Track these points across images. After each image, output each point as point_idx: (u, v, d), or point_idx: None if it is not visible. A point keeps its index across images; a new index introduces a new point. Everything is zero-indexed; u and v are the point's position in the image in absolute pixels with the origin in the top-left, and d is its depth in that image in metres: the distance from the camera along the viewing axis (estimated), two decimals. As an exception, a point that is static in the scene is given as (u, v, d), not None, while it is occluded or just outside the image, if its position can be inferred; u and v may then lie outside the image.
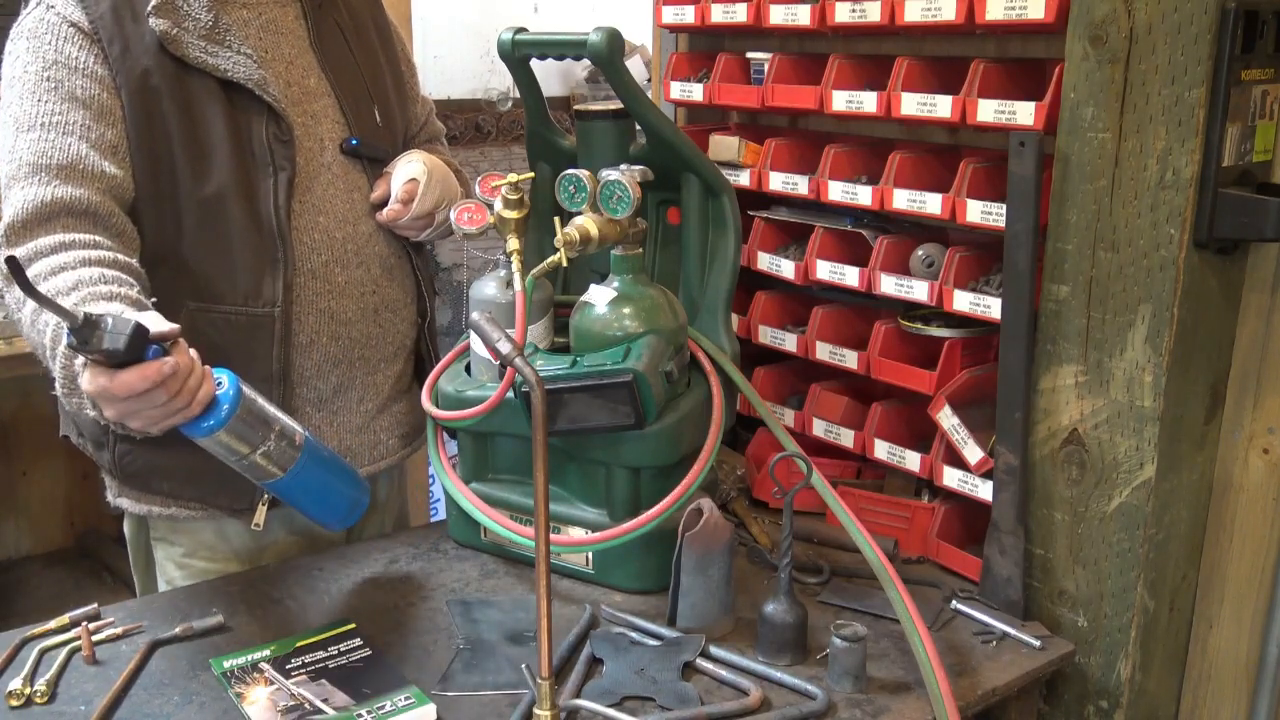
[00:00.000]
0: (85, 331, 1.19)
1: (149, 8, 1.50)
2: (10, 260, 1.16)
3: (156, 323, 1.26)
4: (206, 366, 1.31)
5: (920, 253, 1.69)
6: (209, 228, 1.54)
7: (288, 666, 1.36)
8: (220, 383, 1.33)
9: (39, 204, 1.41)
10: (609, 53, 1.55)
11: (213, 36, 1.54)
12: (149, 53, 1.50)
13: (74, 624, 1.45)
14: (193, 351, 1.29)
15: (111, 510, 1.70)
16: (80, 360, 1.26)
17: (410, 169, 1.69)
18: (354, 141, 1.66)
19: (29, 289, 1.15)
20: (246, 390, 1.35)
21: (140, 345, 1.21)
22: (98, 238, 1.43)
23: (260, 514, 1.62)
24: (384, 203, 1.68)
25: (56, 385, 1.34)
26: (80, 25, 1.49)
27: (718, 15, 1.87)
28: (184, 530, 1.68)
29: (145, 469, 1.62)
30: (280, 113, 1.57)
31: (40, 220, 1.41)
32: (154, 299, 1.40)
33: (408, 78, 1.87)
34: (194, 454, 1.58)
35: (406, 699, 1.29)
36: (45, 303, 1.17)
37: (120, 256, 1.42)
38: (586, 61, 1.66)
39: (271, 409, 1.39)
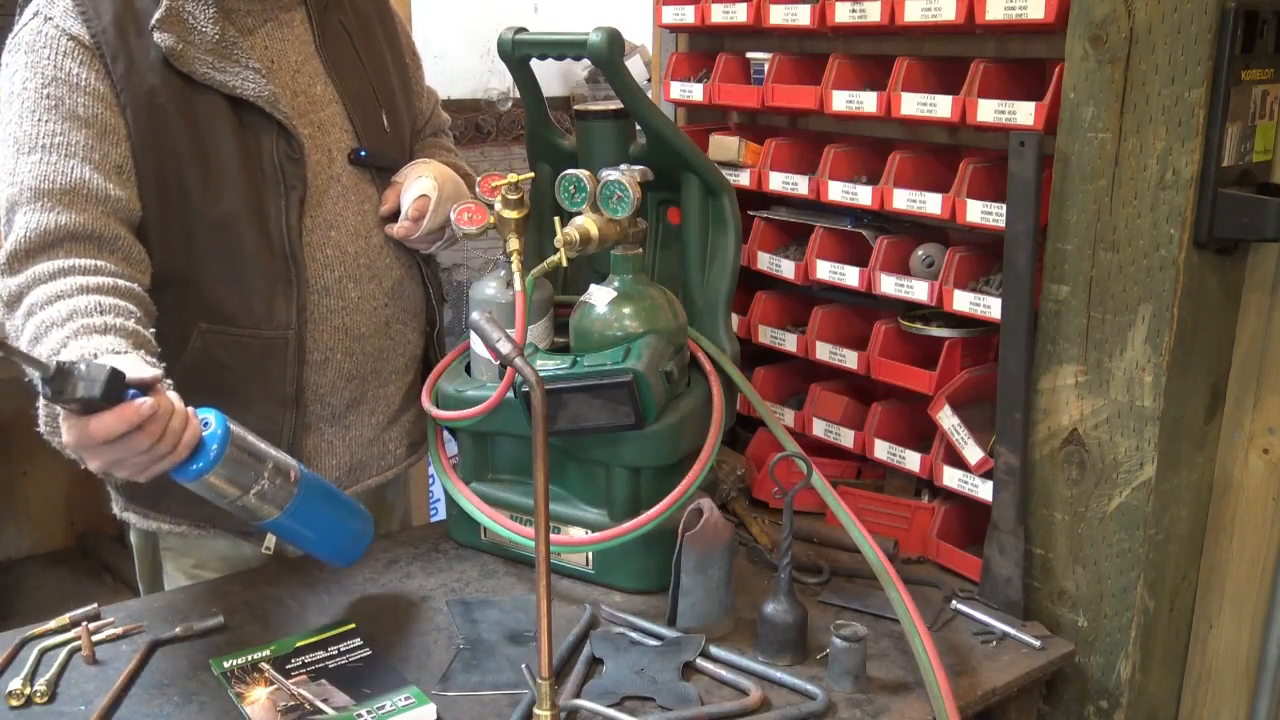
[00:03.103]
0: (59, 381, 1.14)
1: (153, 21, 1.45)
2: None
3: (136, 367, 1.21)
4: (191, 409, 1.26)
5: (920, 253, 1.69)
6: (219, 250, 1.51)
7: (288, 666, 1.36)
8: (207, 423, 1.27)
9: (41, 230, 1.38)
10: (609, 53, 1.55)
11: (219, 51, 1.49)
12: (154, 69, 1.46)
13: (74, 624, 1.45)
14: (175, 395, 1.24)
15: (112, 513, 1.70)
16: (58, 410, 1.21)
17: (421, 184, 1.65)
18: (362, 153, 1.64)
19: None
20: (236, 429, 1.29)
21: (117, 390, 1.16)
22: (100, 263, 1.39)
23: (271, 539, 1.60)
24: (393, 215, 1.67)
25: (40, 424, 1.31)
26: (81, 39, 1.44)
27: (718, 15, 1.87)
28: (195, 542, 1.66)
29: (153, 490, 1.58)
30: (291, 130, 1.54)
31: (43, 247, 1.38)
32: (152, 329, 1.37)
33: (413, 71, 1.84)
34: None
35: (406, 699, 1.29)
36: (15, 354, 1.13)
37: (121, 283, 1.38)
38: (586, 61, 1.65)
39: (264, 446, 1.34)
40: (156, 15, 1.46)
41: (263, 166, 1.53)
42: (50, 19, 1.45)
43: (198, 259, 1.52)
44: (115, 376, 1.15)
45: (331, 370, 1.63)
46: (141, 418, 1.17)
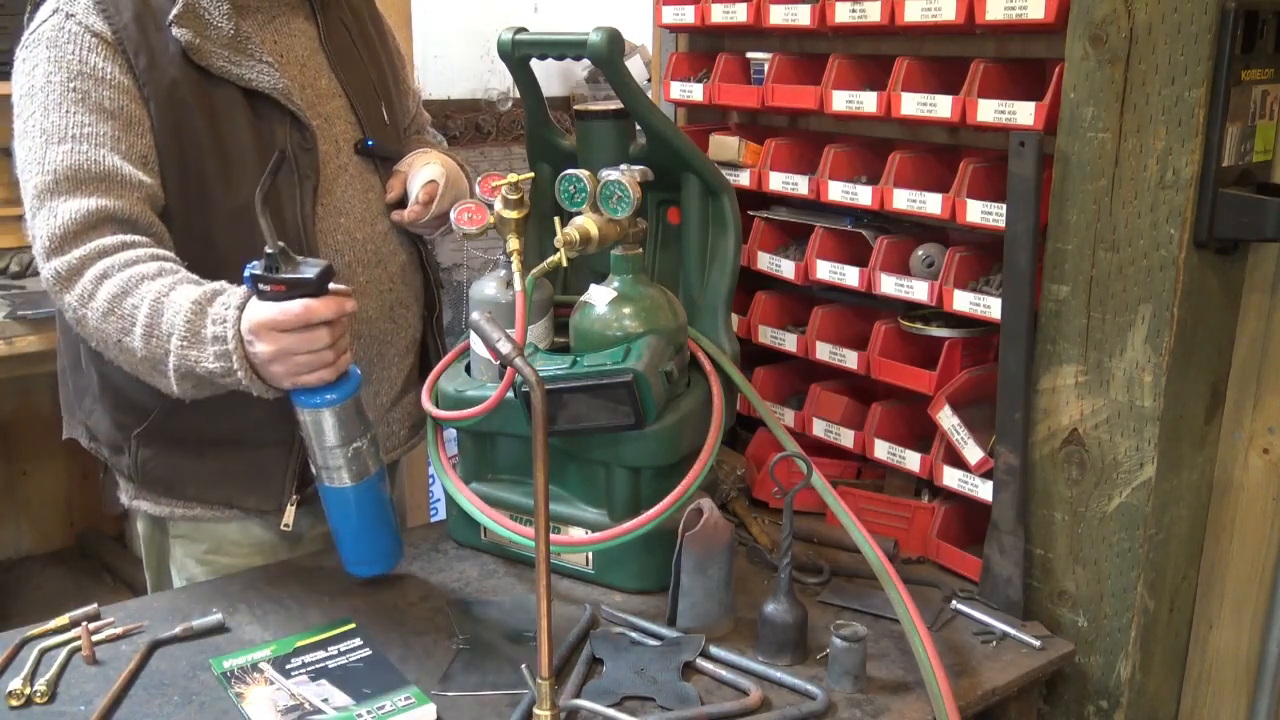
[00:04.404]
0: (277, 258, 1.30)
1: (170, 17, 1.49)
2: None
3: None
4: None
5: (920, 253, 1.69)
6: (237, 238, 1.53)
7: (288, 666, 1.36)
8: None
9: (85, 213, 1.41)
10: (609, 53, 1.55)
11: (235, 45, 1.53)
12: (174, 63, 1.50)
13: (74, 624, 1.45)
14: None
15: (112, 510, 1.70)
16: (237, 298, 1.34)
17: (429, 171, 1.70)
18: (369, 143, 1.69)
19: (260, 200, 1.29)
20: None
21: (325, 283, 1.32)
22: (146, 238, 1.45)
23: (289, 514, 1.63)
24: (399, 202, 1.71)
25: (171, 343, 1.35)
26: (103, 35, 1.47)
27: (718, 15, 1.87)
28: (207, 527, 1.68)
29: (169, 474, 1.62)
30: (304, 121, 1.58)
31: (87, 228, 1.42)
32: None
33: (400, 69, 1.89)
34: (221, 458, 1.60)
35: (406, 699, 1.29)
36: (263, 216, 1.33)
37: (174, 257, 1.45)
38: (586, 61, 1.66)
39: (370, 417, 1.46)
40: (174, 11, 1.50)
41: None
42: (72, 15, 1.48)
43: (216, 247, 1.55)
44: (330, 271, 1.33)
45: None
46: (344, 310, 1.33)
